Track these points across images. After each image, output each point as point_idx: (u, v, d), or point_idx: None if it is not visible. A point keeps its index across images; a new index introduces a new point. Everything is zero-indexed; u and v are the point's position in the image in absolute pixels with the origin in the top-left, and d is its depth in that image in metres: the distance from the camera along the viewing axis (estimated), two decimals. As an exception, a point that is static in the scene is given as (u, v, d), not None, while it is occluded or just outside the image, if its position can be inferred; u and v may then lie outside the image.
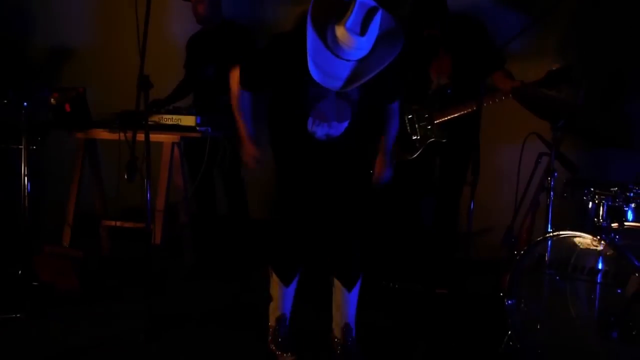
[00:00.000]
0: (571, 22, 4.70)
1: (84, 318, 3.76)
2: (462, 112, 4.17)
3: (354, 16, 2.69)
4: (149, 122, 3.79)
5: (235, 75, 3.19)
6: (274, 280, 3.43)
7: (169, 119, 4.41)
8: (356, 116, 3.17)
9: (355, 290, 3.39)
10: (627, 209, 3.23)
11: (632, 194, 3.19)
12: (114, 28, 5.65)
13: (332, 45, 2.76)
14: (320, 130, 3.18)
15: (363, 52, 2.78)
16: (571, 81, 3.87)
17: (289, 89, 3.13)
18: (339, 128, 3.19)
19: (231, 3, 5.10)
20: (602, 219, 3.20)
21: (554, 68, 3.87)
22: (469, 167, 3.54)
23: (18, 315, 3.60)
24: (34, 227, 3.88)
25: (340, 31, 2.72)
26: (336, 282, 3.39)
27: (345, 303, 3.38)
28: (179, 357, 3.29)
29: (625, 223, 3.23)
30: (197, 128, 4.38)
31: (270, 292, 3.46)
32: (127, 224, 4.63)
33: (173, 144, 4.46)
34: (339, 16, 2.72)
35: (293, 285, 3.45)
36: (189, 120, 4.37)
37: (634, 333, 2.91)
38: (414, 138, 4.32)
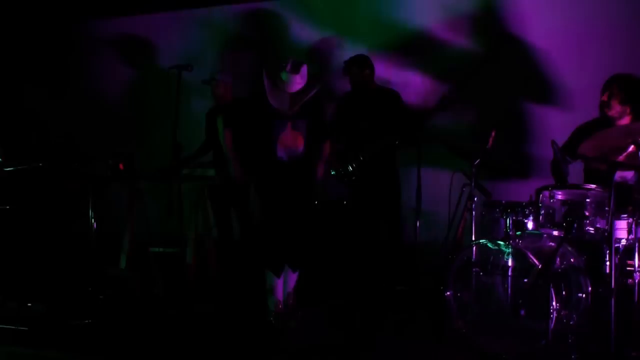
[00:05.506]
0: (483, 88, 4.84)
1: (140, 318, 3.79)
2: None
3: (290, 64, 3.53)
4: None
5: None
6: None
7: (195, 172, 4.50)
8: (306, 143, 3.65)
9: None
10: (526, 221, 3.30)
11: (527, 211, 3.29)
12: (152, 104, 5.74)
13: (280, 84, 3.51)
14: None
15: (297, 87, 3.51)
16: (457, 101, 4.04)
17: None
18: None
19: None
20: (509, 229, 3.26)
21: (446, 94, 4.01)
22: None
23: (89, 320, 3.60)
24: (99, 253, 3.91)
25: (284, 75, 3.51)
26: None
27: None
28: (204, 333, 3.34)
29: (526, 231, 3.30)
30: (215, 177, 4.46)
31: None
32: (167, 249, 4.61)
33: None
34: (282, 67, 3.53)
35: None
36: (209, 172, 4.47)
37: (536, 310, 2.97)
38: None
